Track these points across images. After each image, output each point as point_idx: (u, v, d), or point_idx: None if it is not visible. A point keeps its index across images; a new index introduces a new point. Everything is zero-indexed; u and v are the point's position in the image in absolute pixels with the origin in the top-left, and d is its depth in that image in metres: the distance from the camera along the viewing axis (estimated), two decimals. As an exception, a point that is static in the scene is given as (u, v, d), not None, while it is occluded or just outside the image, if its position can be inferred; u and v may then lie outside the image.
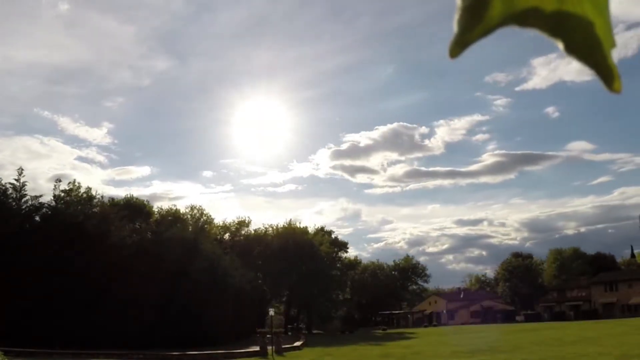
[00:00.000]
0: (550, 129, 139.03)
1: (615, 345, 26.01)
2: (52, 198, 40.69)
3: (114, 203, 52.08)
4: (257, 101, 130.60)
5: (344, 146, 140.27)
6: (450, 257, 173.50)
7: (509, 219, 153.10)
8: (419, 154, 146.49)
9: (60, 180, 41.86)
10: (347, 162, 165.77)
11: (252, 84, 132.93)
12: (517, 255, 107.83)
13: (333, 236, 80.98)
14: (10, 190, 39.06)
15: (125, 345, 32.19)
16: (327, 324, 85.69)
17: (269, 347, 31.13)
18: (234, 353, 31.32)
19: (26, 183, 39.88)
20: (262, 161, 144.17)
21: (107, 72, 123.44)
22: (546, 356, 23.99)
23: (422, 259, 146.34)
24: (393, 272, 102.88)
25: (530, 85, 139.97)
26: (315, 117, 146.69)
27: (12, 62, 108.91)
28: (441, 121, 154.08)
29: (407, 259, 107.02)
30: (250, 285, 51.38)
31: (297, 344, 37.73)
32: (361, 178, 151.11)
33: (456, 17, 0.65)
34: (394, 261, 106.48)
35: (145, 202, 62.32)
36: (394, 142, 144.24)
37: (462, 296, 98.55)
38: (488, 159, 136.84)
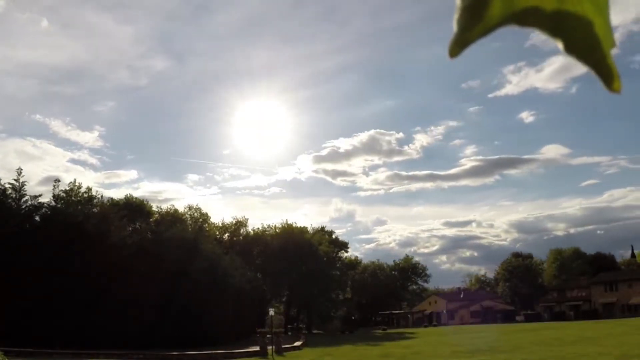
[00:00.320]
0: (524, 134, 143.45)
1: (615, 345, 26.01)
2: (52, 198, 40.73)
3: (113, 203, 52.10)
4: (233, 106, 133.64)
5: (324, 151, 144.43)
6: (444, 257, 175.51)
7: (497, 220, 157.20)
8: (399, 158, 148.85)
9: (59, 180, 41.98)
10: (329, 167, 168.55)
11: (238, 89, 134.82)
12: (517, 255, 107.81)
13: (333, 236, 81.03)
14: (9, 191, 39.08)
15: (125, 345, 32.19)
16: (327, 324, 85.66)
17: (269, 347, 31.12)
18: (234, 353, 31.32)
19: (26, 183, 39.95)
20: (247, 164, 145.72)
21: (99, 73, 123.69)
22: (546, 356, 23.99)
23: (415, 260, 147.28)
24: (393, 272, 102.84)
25: (503, 92, 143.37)
26: (299, 122, 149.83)
27: (6, 63, 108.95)
28: (418, 127, 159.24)
29: (407, 259, 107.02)
30: (250, 285, 51.38)
31: (297, 344, 37.72)
32: (343, 182, 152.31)
33: (456, 16, 0.65)
34: (394, 261, 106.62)
35: (145, 202, 62.38)
36: (373, 147, 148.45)
37: (462, 296, 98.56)
38: (467, 163, 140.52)
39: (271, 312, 37.00)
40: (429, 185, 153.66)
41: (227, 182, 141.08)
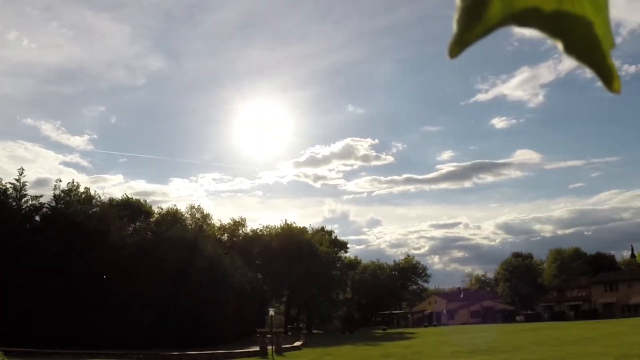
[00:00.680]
0: (497, 139, 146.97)
1: (615, 345, 26.01)
2: (52, 198, 40.70)
3: (113, 203, 52.11)
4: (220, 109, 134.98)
5: (303, 157, 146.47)
6: (436, 258, 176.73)
7: (484, 222, 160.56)
8: (377, 163, 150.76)
9: (60, 180, 41.92)
10: (310, 171, 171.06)
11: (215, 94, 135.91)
12: (517, 255, 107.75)
13: (333, 236, 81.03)
14: (10, 190, 39.06)
15: (125, 345, 32.18)
16: (327, 324, 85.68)
17: (269, 347, 31.12)
18: (234, 353, 31.33)
19: (26, 183, 39.92)
20: (229, 168, 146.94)
21: (92, 73, 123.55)
22: (546, 356, 23.99)
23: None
24: (393, 272, 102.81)
25: (475, 99, 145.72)
26: (282, 127, 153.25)
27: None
28: (395, 132, 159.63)
29: (408, 258, 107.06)
30: (250, 286, 51.39)
31: (297, 344, 37.73)
32: (325, 186, 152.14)
33: (455, 16, 0.65)
34: (394, 261, 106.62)
35: (144, 202, 62.37)
36: (351, 152, 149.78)
37: (462, 296, 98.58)
38: (444, 167, 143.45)
39: (271, 312, 36.94)
40: (410, 188, 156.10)
41: (211, 185, 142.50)
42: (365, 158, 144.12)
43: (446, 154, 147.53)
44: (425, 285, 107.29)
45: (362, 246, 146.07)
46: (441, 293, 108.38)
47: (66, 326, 33.76)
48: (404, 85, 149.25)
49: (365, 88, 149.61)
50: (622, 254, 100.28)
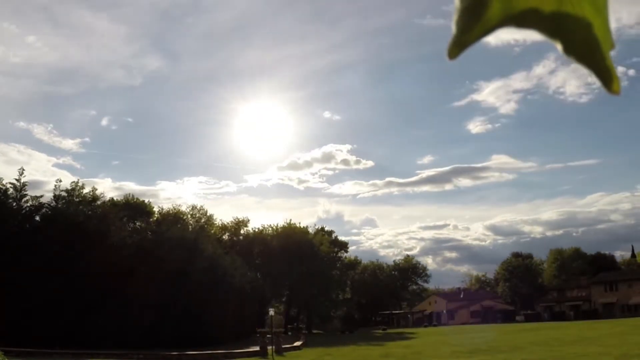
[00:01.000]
0: (473, 143, 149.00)
1: (615, 345, 26.01)
2: (53, 198, 40.68)
3: (114, 203, 52.11)
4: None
5: (286, 162, 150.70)
6: (429, 259, 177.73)
7: (474, 224, 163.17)
8: (358, 167, 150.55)
9: (61, 180, 41.84)
10: (294, 175, 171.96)
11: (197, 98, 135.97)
12: (517, 255, 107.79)
13: (333, 236, 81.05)
14: (10, 190, 39.04)
15: (125, 345, 32.17)
16: (327, 324, 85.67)
17: (269, 347, 31.12)
18: (234, 353, 31.33)
19: (26, 183, 39.89)
20: (215, 172, 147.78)
21: (87, 74, 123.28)
22: (546, 356, 23.99)
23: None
24: (393, 272, 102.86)
25: (453, 104, 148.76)
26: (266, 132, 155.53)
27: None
28: (372, 137, 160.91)
29: (408, 258, 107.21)
30: (250, 285, 51.39)
31: (297, 344, 37.73)
32: (309, 189, 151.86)
33: (455, 17, 0.65)
34: (394, 261, 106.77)
35: (145, 202, 62.34)
36: (331, 157, 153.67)
37: (462, 296, 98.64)
38: (424, 172, 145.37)
39: (271, 312, 36.92)
40: (394, 190, 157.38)
41: (198, 187, 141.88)
42: (345, 162, 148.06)
43: (426, 159, 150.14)
44: (425, 285, 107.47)
45: (353, 247, 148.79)
46: (441, 293, 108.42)
47: (66, 326, 33.75)
48: (377, 92, 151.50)
49: (342, 95, 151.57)
50: (615, 255, 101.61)
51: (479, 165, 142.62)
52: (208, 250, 44.62)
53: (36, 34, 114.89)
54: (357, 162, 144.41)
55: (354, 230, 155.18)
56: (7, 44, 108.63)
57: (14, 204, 38.96)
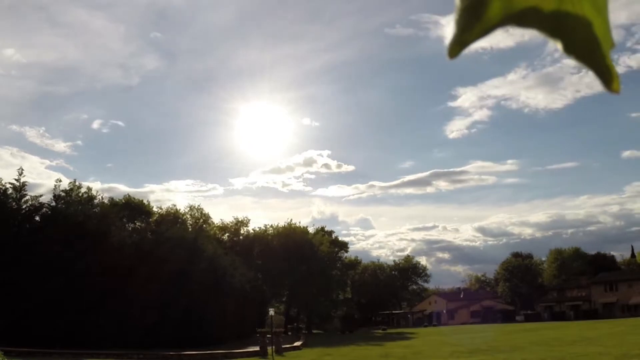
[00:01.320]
0: (452, 148, 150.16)
1: (615, 345, 26.01)
2: (52, 198, 40.69)
3: (113, 203, 52.10)
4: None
5: (269, 166, 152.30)
6: (422, 260, 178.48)
7: (463, 225, 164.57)
8: (341, 170, 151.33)
9: (61, 180, 41.97)
10: (279, 179, 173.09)
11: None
12: (517, 255, 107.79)
13: (333, 236, 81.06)
14: (10, 190, 39.02)
15: (125, 345, 32.18)
16: (327, 324, 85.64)
17: (269, 347, 31.11)
18: (234, 353, 31.34)
19: (26, 183, 39.89)
20: (201, 175, 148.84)
21: (84, 74, 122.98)
22: (546, 356, 23.98)
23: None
24: (393, 272, 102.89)
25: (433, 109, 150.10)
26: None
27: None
28: (352, 142, 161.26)
29: (408, 258, 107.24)
30: (250, 285, 51.39)
31: (297, 344, 37.75)
32: (292, 191, 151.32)
33: (455, 17, 0.65)
34: (394, 261, 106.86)
35: (145, 202, 62.31)
36: (312, 161, 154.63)
37: (462, 296, 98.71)
38: (406, 176, 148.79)
39: (271, 312, 36.86)
40: (377, 193, 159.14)
41: (185, 190, 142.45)
42: (327, 166, 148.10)
43: (408, 163, 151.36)
44: (425, 285, 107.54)
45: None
46: (441, 293, 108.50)
47: (66, 326, 33.72)
48: (352, 99, 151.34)
49: (320, 102, 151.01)
50: (615, 255, 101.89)
51: (458, 169, 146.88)
52: (208, 250, 44.62)
53: (33, 33, 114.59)
54: (339, 166, 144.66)
55: (344, 232, 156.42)
56: (3, 44, 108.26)
57: (14, 204, 38.96)
